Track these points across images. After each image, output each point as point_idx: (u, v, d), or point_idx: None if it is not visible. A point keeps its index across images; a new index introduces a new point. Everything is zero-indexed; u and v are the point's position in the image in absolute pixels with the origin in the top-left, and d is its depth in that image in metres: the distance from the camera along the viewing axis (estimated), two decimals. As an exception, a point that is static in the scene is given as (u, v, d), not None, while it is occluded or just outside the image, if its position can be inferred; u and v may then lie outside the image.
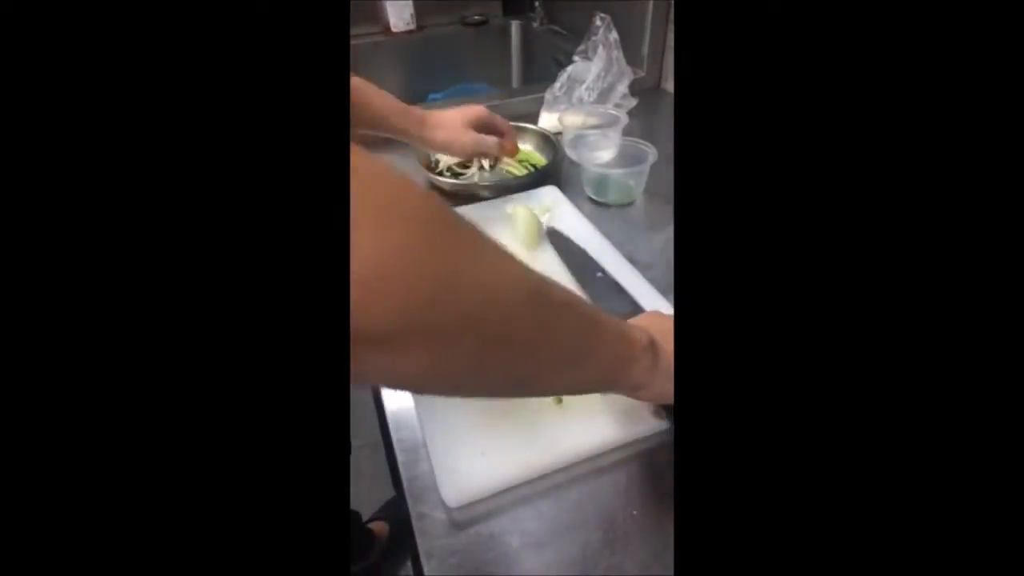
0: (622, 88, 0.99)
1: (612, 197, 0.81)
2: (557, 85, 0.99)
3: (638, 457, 0.47)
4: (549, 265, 0.67)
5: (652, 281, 0.63)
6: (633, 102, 1.01)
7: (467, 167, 0.88)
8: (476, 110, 0.73)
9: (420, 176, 0.85)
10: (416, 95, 1.40)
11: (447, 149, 0.74)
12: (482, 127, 0.74)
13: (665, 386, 0.39)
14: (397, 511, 1.20)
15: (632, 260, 0.66)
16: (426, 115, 0.72)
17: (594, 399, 0.50)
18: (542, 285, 0.30)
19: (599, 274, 0.63)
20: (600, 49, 0.97)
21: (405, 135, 0.71)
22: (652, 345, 0.38)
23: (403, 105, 0.70)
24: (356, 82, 0.67)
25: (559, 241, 0.69)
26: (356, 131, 0.67)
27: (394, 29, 1.41)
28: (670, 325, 0.42)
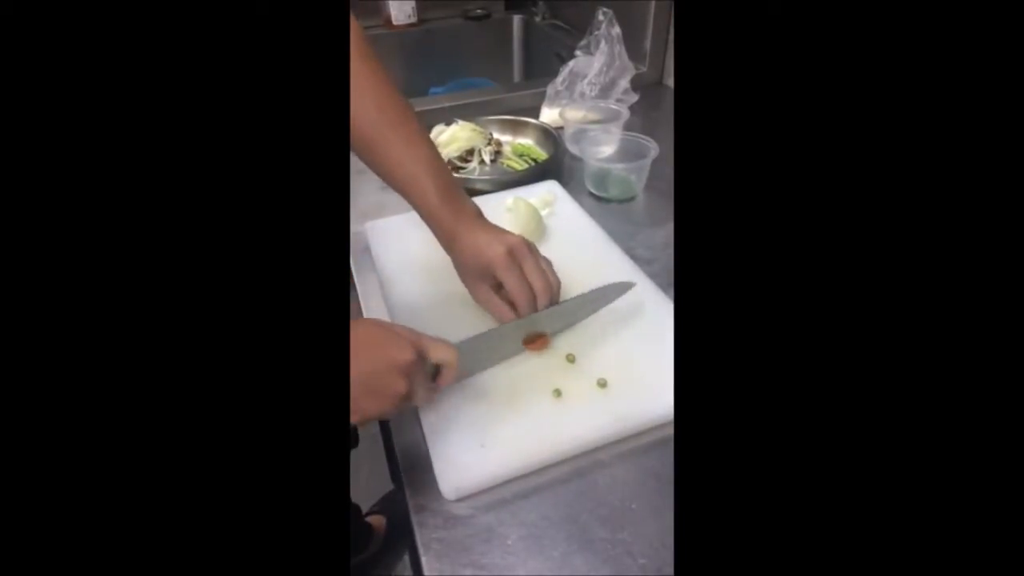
0: (624, 83, 0.98)
1: (613, 192, 0.81)
2: (559, 80, 0.99)
3: (637, 450, 0.47)
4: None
5: (652, 277, 0.63)
6: (635, 97, 1.00)
7: (467, 161, 0.88)
8: (498, 263, 0.54)
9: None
10: (417, 89, 1.40)
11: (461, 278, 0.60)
12: (497, 286, 0.57)
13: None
14: (396, 504, 1.20)
15: (632, 255, 0.66)
16: (457, 235, 0.56)
17: (594, 393, 0.50)
18: None
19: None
20: (602, 44, 0.97)
21: (429, 227, 0.58)
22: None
23: (436, 199, 0.55)
24: (392, 138, 0.54)
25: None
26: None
27: (395, 22, 1.41)
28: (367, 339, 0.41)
